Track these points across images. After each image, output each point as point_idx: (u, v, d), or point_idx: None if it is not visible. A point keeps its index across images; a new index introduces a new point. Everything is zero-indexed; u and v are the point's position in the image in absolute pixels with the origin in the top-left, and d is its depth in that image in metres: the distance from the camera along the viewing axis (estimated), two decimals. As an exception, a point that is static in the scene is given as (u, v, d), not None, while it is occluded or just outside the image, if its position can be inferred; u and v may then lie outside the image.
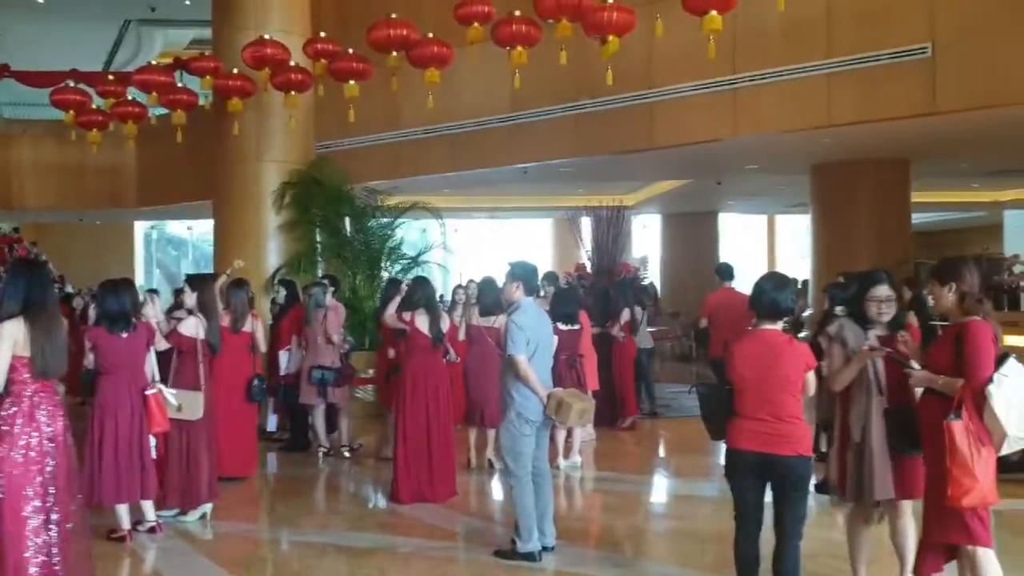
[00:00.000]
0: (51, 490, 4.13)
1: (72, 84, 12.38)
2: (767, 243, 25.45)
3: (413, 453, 6.70)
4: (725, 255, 20.73)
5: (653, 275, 19.52)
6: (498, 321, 7.55)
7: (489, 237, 24.16)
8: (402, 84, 9.98)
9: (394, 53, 9.34)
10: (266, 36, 10.57)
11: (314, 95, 11.02)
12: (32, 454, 4.09)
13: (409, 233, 12.99)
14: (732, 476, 4.15)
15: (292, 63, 10.51)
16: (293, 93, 10.60)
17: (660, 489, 7.88)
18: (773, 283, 4.14)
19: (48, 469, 4.14)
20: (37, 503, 4.07)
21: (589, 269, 12.56)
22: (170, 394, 5.97)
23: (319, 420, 8.55)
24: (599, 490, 7.70)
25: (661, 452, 9.58)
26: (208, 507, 6.39)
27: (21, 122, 16.67)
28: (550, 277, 9.48)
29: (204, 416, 6.31)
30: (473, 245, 22.75)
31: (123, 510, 5.72)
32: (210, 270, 12.21)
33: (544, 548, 5.41)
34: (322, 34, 10.39)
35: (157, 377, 5.99)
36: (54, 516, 4.13)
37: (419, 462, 6.71)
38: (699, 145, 10.67)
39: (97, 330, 5.69)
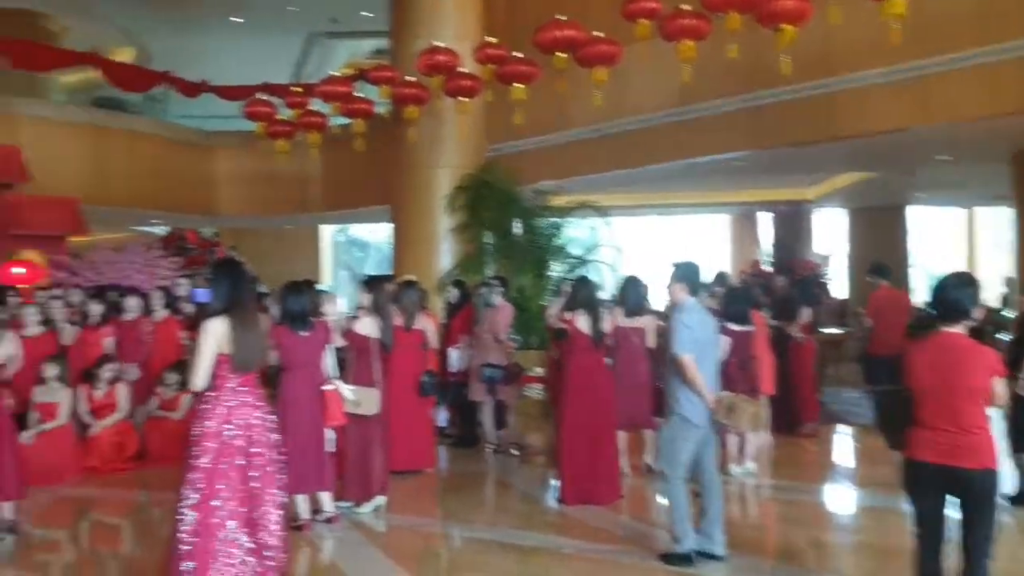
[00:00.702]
0: (252, 479, 4.29)
1: (262, 97, 13.18)
2: (967, 239, 23.69)
3: (576, 454, 6.67)
4: (917, 252, 19.55)
5: (839, 273, 18.65)
6: (642, 321, 7.41)
7: (661, 235, 23.80)
8: (569, 84, 9.98)
9: (561, 54, 9.38)
10: (438, 44, 10.87)
11: (484, 99, 11.21)
12: (231, 447, 4.26)
13: (578, 232, 13.01)
14: (911, 489, 3.88)
15: (463, 69, 10.75)
16: (464, 99, 10.85)
17: (841, 500, 7.49)
18: (953, 282, 3.84)
19: (244, 461, 4.29)
20: (232, 495, 4.23)
21: (766, 266, 12.15)
22: (347, 390, 6.22)
23: (487, 417, 8.69)
24: (775, 499, 7.41)
25: (843, 460, 9.12)
26: (382, 500, 6.61)
27: (218, 134, 17.87)
28: (721, 276, 9.22)
29: (378, 411, 6.53)
30: (644, 243, 22.45)
31: (302, 500, 5.99)
32: (390, 272, 12.69)
33: (714, 556, 5.27)
34: (491, 39, 10.57)
35: (335, 373, 6.25)
36: (261, 508, 4.30)
37: (583, 464, 6.67)
38: (884, 135, 10.08)
39: (279, 329, 5.97)
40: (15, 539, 5.90)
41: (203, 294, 8.49)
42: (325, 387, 6.02)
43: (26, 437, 7.56)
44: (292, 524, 5.94)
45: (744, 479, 7.55)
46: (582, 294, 6.89)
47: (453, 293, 9.64)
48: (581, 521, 6.33)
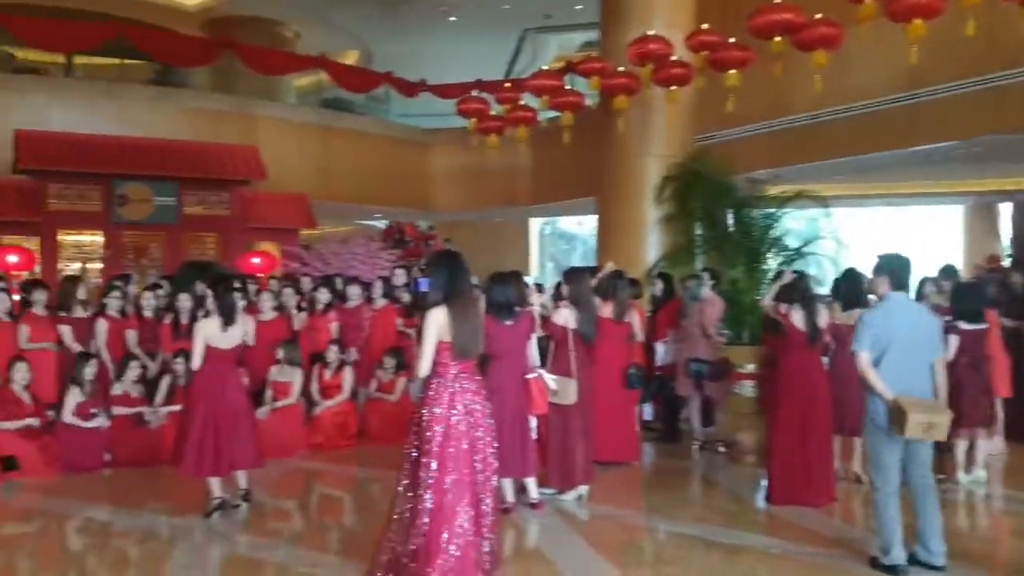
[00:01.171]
0: (477, 466, 4.42)
1: (476, 94, 13.57)
2: None
3: (788, 455, 6.40)
4: None
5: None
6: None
7: (888, 227, 22.38)
8: (786, 69, 9.62)
9: (778, 38, 9.06)
10: (650, 33, 10.77)
11: (695, 87, 11.00)
12: (456, 432, 4.39)
13: (795, 223, 12.49)
14: None
15: (674, 57, 10.61)
16: (674, 87, 10.70)
17: (1087, 516, 6.78)
18: None
19: (467, 445, 4.41)
20: (457, 477, 4.34)
21: (1005, 261, 11.17)
22: (551, 379, 6.30)
23: (694, 413, 8.53)
24: (1007, 510, 6.81)
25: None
26: (584, 489, 6.64)
27: (435, 131, 18.59)
28: (948, 271, 8.56)
29: (579, 401, 6.56)
30: (868, 236, 21.21)
31: (507, 484, 6.12)
32: (595, 264, 12.75)
33: (932, 567, 4.93)
34: (704, 26, 10.36)
35: (538, 363, 6.34)
36: (481, 489, 4.40)
37: (794, 464, 6.39)
38: None
39: (485, 318, 6.07)
40: (249, 507, 6.41)
41: (425, 283, 8.92)
42: (529, 376, 6.13)
43: (261, 413, 8.21)
44: (499, 507, 6.09)
45: (972, 487, 6.98)
46: (798, 288, 6.60)
47: (658, 286, 9.53)
48: (790, 522, 6.09)
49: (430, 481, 4.33)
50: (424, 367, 4.46)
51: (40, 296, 8.29)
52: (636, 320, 7.98)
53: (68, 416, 7.69)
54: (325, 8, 18.21)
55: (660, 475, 7.91)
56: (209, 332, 6.14)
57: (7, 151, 12.39)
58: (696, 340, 8.36)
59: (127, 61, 16.60)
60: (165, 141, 13.62)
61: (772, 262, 11.69)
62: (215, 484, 6.24)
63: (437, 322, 4.42)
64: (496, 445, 4.60)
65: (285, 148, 15.58)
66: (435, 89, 16.20)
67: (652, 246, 12.21)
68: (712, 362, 8.29)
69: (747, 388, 10.06)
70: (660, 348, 8.92)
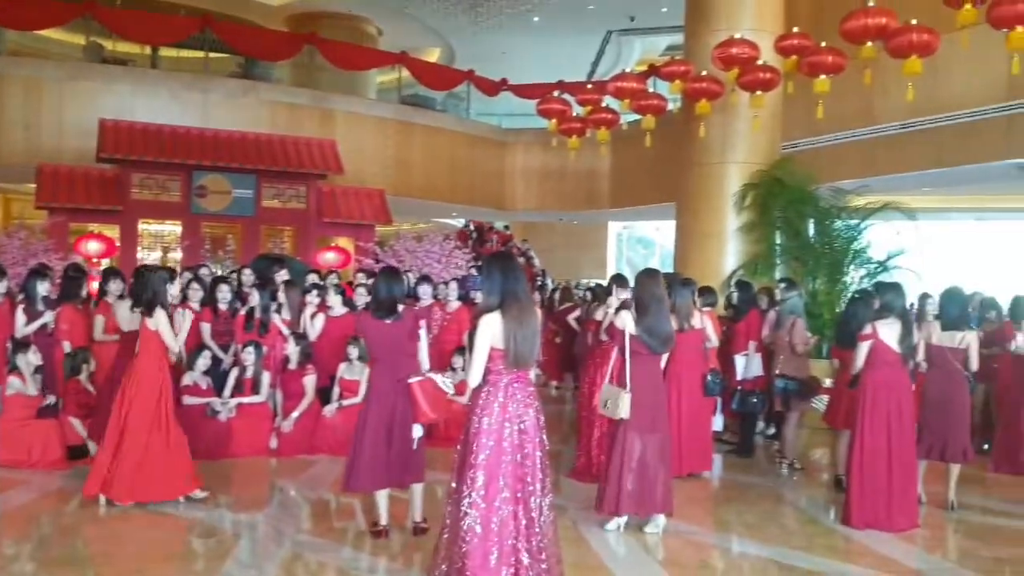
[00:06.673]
0: (527, 480, 4.21)
1: (557, 95, 13.45)
2: None
3: (869, 475, 6.14)
4: None
5: None
6: (965, 339, 6.65)
7: (973, 241, 21.53)
8: (877, 77, 9.31)
9: (869, 44, 8.75)
10: (736, 36, 10.52)
11: (782, 93, 10.72)
12: (505, 444, 4.19)
13: (879, 235, 12.05)
14: None
15: (760, 62, 10.33)
16: (759, 92, 10.42)
17: None
18: None
19: (517, 459, 4.21)
20: (506, 494, 4.17)
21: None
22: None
23: (791, 430, 8.16)
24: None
25: None
26: (623, 520, 6.13)
27: (515, 131, 18.52)
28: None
29: (644, 421, 6.27)
30: (955, 250, 20.42)
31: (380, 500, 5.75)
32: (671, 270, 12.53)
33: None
34: (795, 29, 10.08)
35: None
36: (531, 504, 4.21)
37: (875, 486, 6.12)
38: None
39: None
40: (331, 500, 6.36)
41: (477, 284, 8.78)
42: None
43: (328, 411, 8.19)
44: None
45: None
46: (895, 302, 6.30)
47: (736, 295, 9.27)
48: (869, 549, 5.81)
49: (475, 497, 4.15)
50: (475, 376, 4.25)
51: (115, 286, 8.10)
52: (709, 326, 7.75)
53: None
54: (408, 5, 18.30)
55: (733, 491, 7.64)
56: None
57: (92, 139, 12.66)
58: (786, 356, 8.03)
59: (212, 55, 16.88)
60: (244, 133, 13.79)
61: (854, 274, 11.35)
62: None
63: (490, 328, 4.23)
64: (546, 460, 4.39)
65: (363, 143, 15.68)
66: (516, 89, 16.13)
67: (731, 254, 11.96)
68: (801, 380, 7.98)
69: (821, 403, 9.71)
70: (740, 360, 8.61)
